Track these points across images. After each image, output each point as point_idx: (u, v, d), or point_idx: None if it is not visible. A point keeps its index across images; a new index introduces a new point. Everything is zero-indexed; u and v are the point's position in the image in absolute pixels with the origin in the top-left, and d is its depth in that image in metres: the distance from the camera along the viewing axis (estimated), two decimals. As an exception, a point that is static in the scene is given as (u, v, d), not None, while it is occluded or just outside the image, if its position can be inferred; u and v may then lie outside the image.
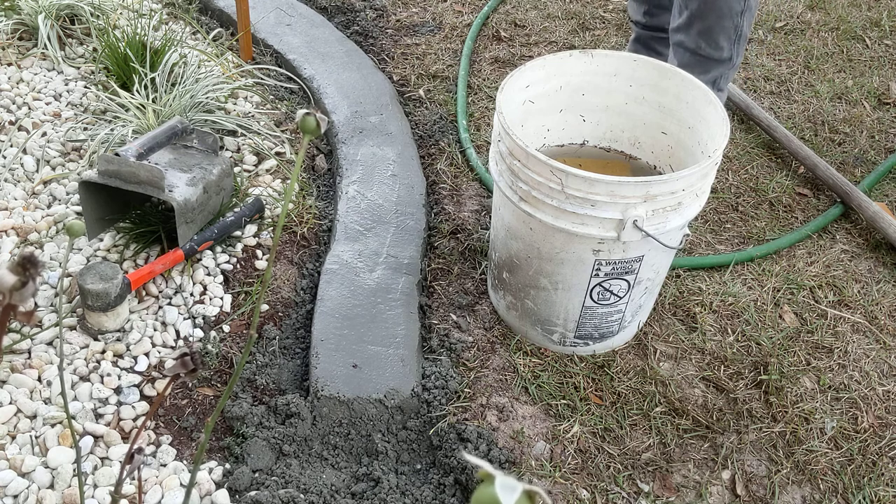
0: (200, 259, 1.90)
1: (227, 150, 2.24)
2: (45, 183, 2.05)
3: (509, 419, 1.64)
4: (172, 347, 1.73)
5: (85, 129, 2.20)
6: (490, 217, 2.04)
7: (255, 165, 2.21)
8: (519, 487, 0.44)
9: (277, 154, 2.25)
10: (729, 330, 1.85)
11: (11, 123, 2.21)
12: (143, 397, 1.63)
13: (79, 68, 2.45)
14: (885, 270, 2.03)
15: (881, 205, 2.14)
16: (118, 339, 1.71)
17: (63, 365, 1.44)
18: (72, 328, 1.72)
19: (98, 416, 1.58)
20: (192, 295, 1.83)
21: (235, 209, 2.01)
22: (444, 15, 2.97)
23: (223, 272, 1.90)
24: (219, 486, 1.49)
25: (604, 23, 2.97)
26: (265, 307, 1.85)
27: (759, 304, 1.91)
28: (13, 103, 2.28)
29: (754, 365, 1.78)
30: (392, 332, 1.76)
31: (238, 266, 1.92)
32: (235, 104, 2.38)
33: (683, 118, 1.74)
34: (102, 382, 1.63)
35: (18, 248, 1.87)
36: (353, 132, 2.34)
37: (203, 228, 1.90)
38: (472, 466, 1.51)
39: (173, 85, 2.25)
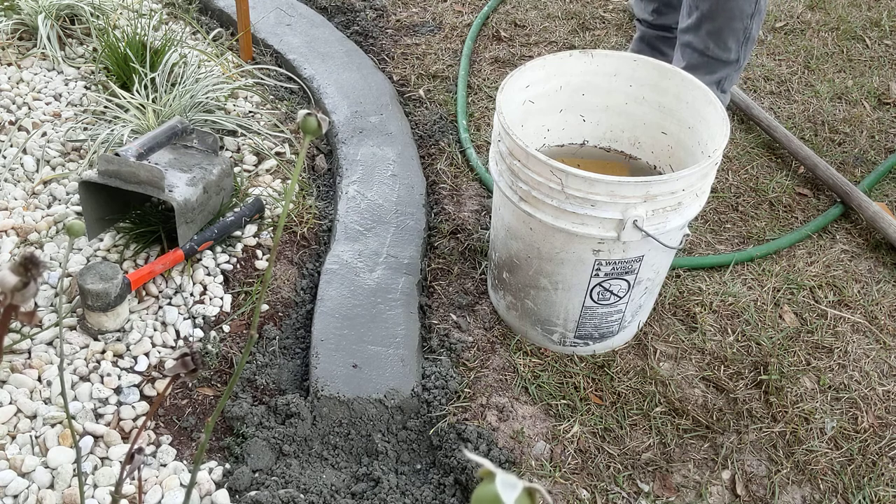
0: (200, 259, 1.90)
1: (227, 150, 2.24)
2: (45, 183, 2.05)
3: (509, 419, 1.64)
4: (172, 347, 1.73)
5: (85, 129, 2.20)
6: (490, 217, 2.04)
7: (255, 165, 2.21)
8: (519, 485, 0.45)
9: (277, 154, 2.25)
10: (729, 330, 1.85)
11: (11, 123, 2.21)
12: (143, 397, 1.63)
13: (79, 68, 2.45)
14: (885, 270, 2.03)
15: (881, 205, 2.14)
16: (118, 339, 1.71)
17: (63, 365, 1.44)
18: (72, 328, 1.72)
19: (98, 416, 1.58)
20: (192, 295, 1.83)
21: (235, 209, 2.01)
22: (444, 15, 2.97)
23: (223, 272, 1.90)
24: (219, 486, 1.49)
25: (604, 23, 2.98)
26: (265, 307, 1.85)
27: (759, 304, 1.91)
28: (13, 103, 2.28)
29: (754, 365, 1.78)
30: (392, 332, 1.76)
31: (238, 266, 1.92)
32: (235, 104, 2.38)
33: (683, 118, 1.74)
34: (102, 382, 1.63)
35: (18, 248, 1.87)
36: (353, 132, 2.34)
37: (203, 228, 1.90)
38: (472, 466, 1.51)
39: (173, 85, 2.25)
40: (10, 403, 1.56)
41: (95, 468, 1.50)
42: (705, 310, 1.88)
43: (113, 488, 1.44)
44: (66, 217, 1.96)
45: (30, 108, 2.28)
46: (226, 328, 1.79)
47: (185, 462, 1.53)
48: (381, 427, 1.62)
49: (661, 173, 1.85)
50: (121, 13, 2.67)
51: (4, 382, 1.59)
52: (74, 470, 1.47)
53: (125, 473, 0.87)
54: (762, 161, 2.36)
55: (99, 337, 1.71)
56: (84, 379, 1.63)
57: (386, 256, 1.95)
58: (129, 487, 1.45)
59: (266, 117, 2.35)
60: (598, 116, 1.87)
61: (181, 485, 1.48)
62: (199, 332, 1.75)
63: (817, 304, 1.93)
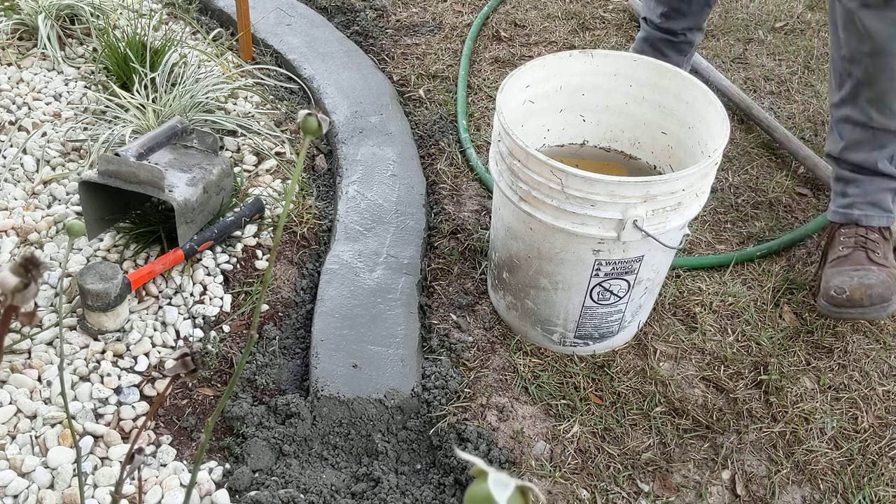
0: (200, 259, 1.90)
1: (227, 150, 2.24)
2: (45, 183, 2.05)
3: (509, 419, 1.64)
4: (172, 347, 1.73)
5: (85, 129, 2.20)
6: (490, 217, 2.04)
7: (255, 165, 2.21)
8: (512, 483, 0.45)
9: (277, 154, 2.25)
10: (729, 330, 1.85)
11: (11, 123, 2.21)
12: (143, 397, 1.63)
13: (79, 68, 2.45)
14: (885, 270, 2.03)
15: (881, 205, 2.14)
16: (118, 339, 1.71)
17: (63, 365, 1.44)
18: (72, 328, 1.72)
19: (98, 416, 1.58)
20: (192, 295, 1.83)
21: (235, 209, 2.01)
22: (444, 15, 2.97)
23: (223, 272, 1.90)
24: (219, 486, 1.49)
25: (604, 23, 2.98)
26: (265, 307, 1.85)
27: (759, 304, 1.91)
28: (13, 103, 2.28)
29: (754, 365, 1.78)
30: (392, 332, 1.76)
31: (238, 266, 1.92)
32: (235, 104, 2.38)
33: (683, 118, 1.74)
34: (102, 382, 1.63)
35: (18, 248, 1.87)
36: (353, 132, 2.34)
37: (203, 228, 1.90)
38: (471, 466, 1.51)
39: (173, 85, 2.25)
40: (10, 403, 1.56)
41: (95, 468, 1.50)
42: (705, 310, 1.88)
43: (113, 488, 1.44)
44: (66, 217, 1.96)
45: (30, 108, 2.28)
46: (226, 328, 1.79)
47: (185, 462, 1.53)
48: (381, 427, 1.62)
49: (661, 173, 1.85)
50: (121, 13, 2.67)
51: (4, 382, 1.60)
52: (74, 470, 1.47)
53: (125, 473, 0.87)
54: (762, 161, 2.36)
55: (99, 337, 1.71)
56: (84, 379, 1.63)
57: (386, 256, 1.95)
58: (129, 487, 1.46)
59: (266, 117, 2.35)
60: (598, 116, 1.87)
61: (181, 485, 1.48)
62: (199, 332, 1.76)
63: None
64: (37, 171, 2.08)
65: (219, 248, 1.94)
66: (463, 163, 2.29)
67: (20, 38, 2.52)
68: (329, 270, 1.90)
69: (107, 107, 2.23)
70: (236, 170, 2.15)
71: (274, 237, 1.99)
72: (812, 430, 1.65)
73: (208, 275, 1.88)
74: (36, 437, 1.52)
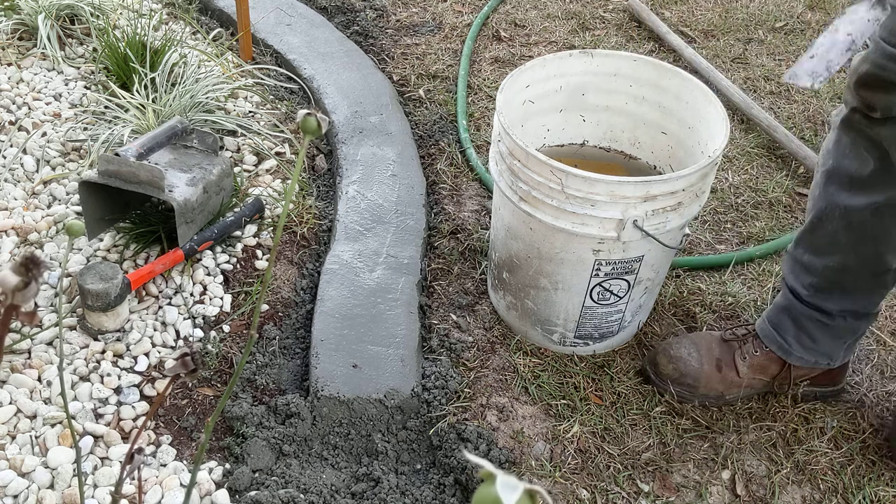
0: (200, 259, 1.90)
1: (227, 150, 2.24)
2: (45, 183, 2.05)
3: (509, 419, 1.64)
4: (172, 347, 1.73)
5: (85, 129, 2.20)
6: (490, 217, 2.04)
7: (255, 165, 2.21)
8: (520, 487, 0.44)
9: (277, 154, 2.25)
10: (729, 330, 1.85)
11: (11, 123, 2.21)
12: (143, 397, 1.63)
13: (79, 68, 2.45)
14: (885, 270, 2.03)
15: (881, 205, 2.14)
16: (118, 339, 1.71)
17: (63, 365, 1.44)
18: (72, 328, 1.72)
19: (98, 416, 1.58)
20: (192, 295, 1.83)
21: (235, 209, 2.01)
22: (444, 15, 2.97)
23: (223, 272, 1.90)
24: (219, 486, 1.49)
25: (604, 23, 2.98)
26: (265, 307, 1.85)
27: (759, 304, 1.91)
28: (13, 103, 2.28)
29: (754, 365, 1.77)
30: (392, 332, 1.76)
31: (238, 266, 1.92)
32: (235, 104, 2.38)
33: (683, 118, 1.74)
34: (102, 382, 1.63)
35: (18, 248, 1.87)
36: (353, 132, 2.34)
37: (203, 228, 1.90)
38: (472, 466, 1.51)
39: (173, 85, 2.25)
40: (10, 403, 1.56)
41: (95, 468, 1.50)
42: (705, 310, 1.88)
43: (113, 488, 1.44)
44: (66, 217, 1.96)
45: (30, 108, 2.28)
46: (226, 328, 1.79)
47: (185, 462, 1.53)
48: (381, 427, 1.62)
49: (661, 173, 1.85)
50: (121, 13, 2.67)
51: (4, 382, 1.60)
52: (74, 470, 1.47)
53: (125, 473, 0.87)
54: (762, 161, 2.36)
55: (99, 337, 1.71)
56: (84, 379, 1.63)
57: (386, 256, 1.95)
58: (129, 487, 1.45)
59: (266, 117, 2.35)
60: (598, 116, 1.87)
61: (181, 485, 1.48)
62: (199, 332, 1.75)
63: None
64: (37, 171, 2.08)
65: (219, 248, 1.94)
66: (463, 163, 2.29)
67: (20, 38, 2.52)
68: (329, 270, 1.90)
69: (106, 107, 2.23)
70: (236, 170, 2.15)
71: (274, 237, 1.99)
72: (812, 430, 1.65)
73: (208, 275, 1.88)
74: (36, 437, 1.52)
